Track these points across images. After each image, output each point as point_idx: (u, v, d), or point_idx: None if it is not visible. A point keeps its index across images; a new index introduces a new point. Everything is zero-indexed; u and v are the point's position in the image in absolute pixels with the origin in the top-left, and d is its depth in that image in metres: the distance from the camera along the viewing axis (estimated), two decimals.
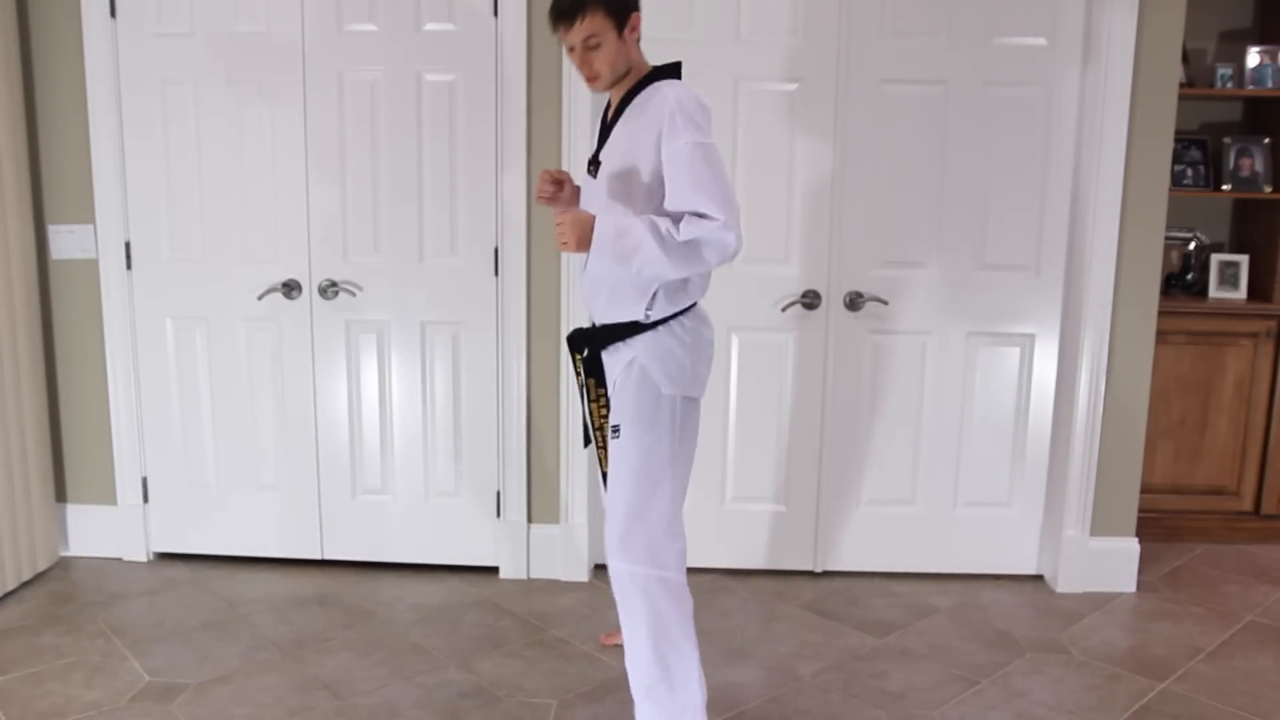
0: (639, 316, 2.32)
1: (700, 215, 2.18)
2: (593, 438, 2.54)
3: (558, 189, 2.54)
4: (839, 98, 3.24)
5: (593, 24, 2.23)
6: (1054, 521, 3.43)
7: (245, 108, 3.32)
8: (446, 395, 3.43)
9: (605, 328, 2.38)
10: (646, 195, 2.29)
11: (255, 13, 3.27)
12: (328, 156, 3.32)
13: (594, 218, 2.22)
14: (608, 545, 2.36)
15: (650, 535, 2.32)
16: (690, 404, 2.38)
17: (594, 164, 2.42)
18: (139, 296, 3.47)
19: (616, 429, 2.35)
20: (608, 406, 2.43)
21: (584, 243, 2.21)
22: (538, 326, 3.34)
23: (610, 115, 2.41)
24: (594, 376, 2.43)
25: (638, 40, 2.35)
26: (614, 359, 2.38)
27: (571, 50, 2.29)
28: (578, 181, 2.61)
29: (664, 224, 2.20)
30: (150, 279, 3.46)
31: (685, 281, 2.33)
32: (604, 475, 2.50)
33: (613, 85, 2.35)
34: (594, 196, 2.39)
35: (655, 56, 2.42)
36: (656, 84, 2.31)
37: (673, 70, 2.38)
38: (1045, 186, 3.30)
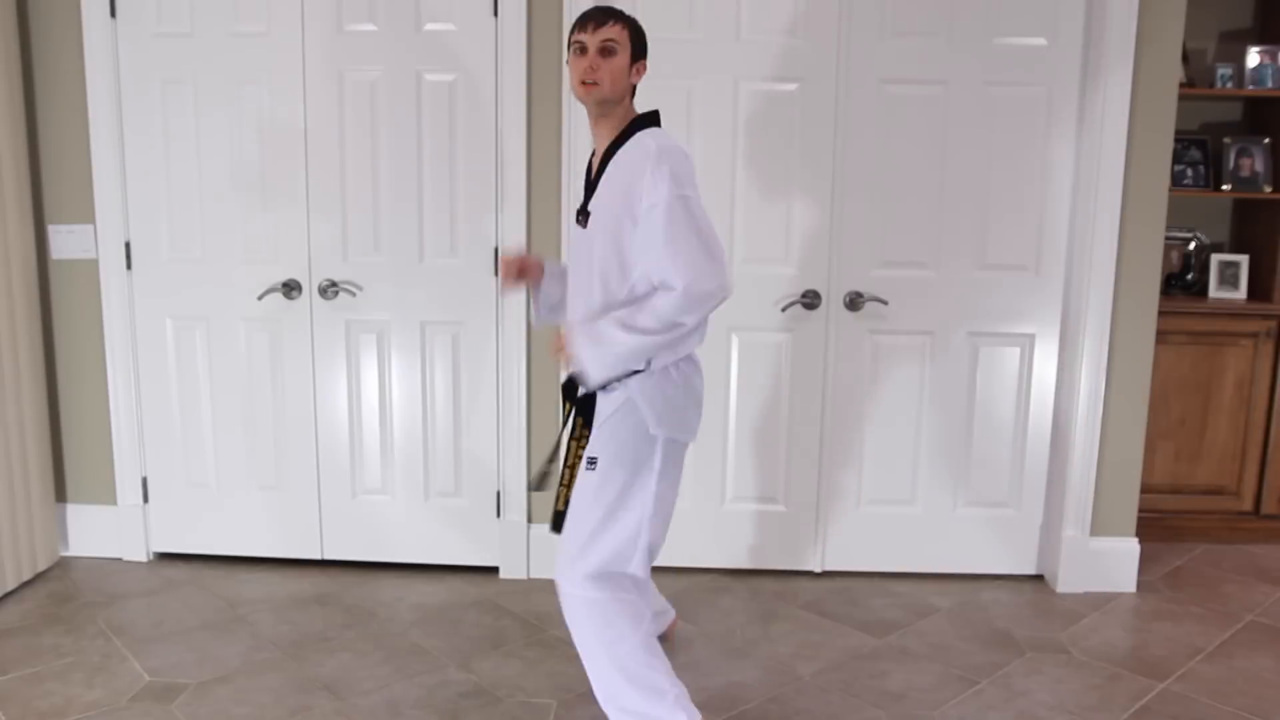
0: (639, 367, 2.31)
1: (668, 287, 2.20)
2: (556, 477, 2.49)
3: (520, 277, 2.55)
4: (839, 98, 3.24)
5: (618, 33, 2.30)
6: (1054, 521, 3.43)
7: (245, 108, 3.32)
8: (446, 395, 3.43)
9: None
10: (635, 248, 2.30)
11: (255, 13, 3.27)
12: (328, 157, 3.32)
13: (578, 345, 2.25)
14: (559, 569, 2.39)
15: (605, 563, 2.35)
16: (676, 447, 2.39)
17: (583, 214, 2.41)
18: (139, 296, 3.47)
19: (593, 461, 2.36)
20: (586, 443, 2.42)
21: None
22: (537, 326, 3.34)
23: (596, 165, 2.41)
24: (583, 415, 2.41)
25: (635, 87, 2.38)
26: (607, 398, 2.37)
27: (582, 54, 2.30)
28: (565, 232, 2.57)
29: (640, 320, 2.21)
30: (150, 279, 3.46)
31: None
32: (557, 515, 2.48)
33: (602, 107, 2.34)
34: (585, 248, 2.39)
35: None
36: (639, 135, 2.32)
37: (653, 119, 2.39)
38: (1045, 186, 3.30)
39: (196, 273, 3.44)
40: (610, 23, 2.30)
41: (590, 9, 2.34)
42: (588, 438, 2.42)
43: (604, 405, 2.38)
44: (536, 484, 2.52)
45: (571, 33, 2.34)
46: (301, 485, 3.52)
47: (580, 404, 2.41)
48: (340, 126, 3.31)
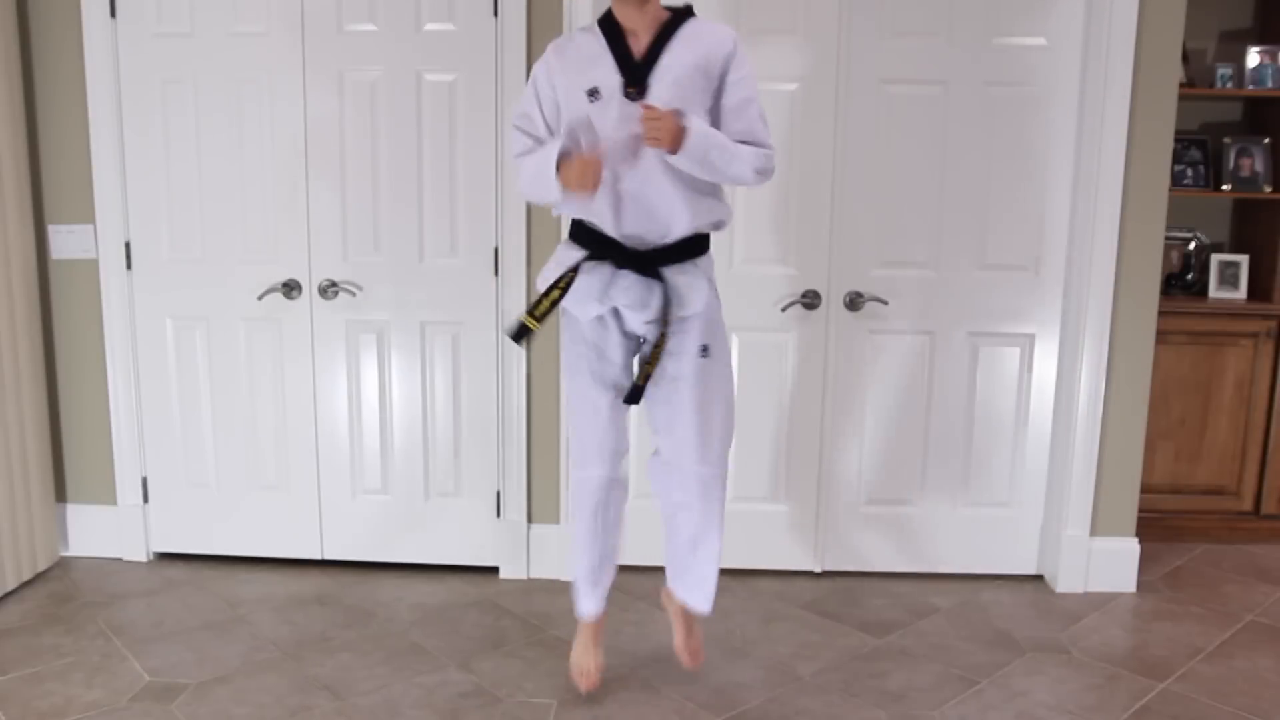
0: (723, 215, 2.49)
1: (759, 143, 2.43)
2: (644, 370, 2.47)
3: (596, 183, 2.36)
4: (839, 98, 3.24)
5: None
6: (1054, 521, 3.43)
7: (245, 108, 3.32)
8: (446, 395, 3.44)
9: (687, 241, 2.45)
10: (704, 118, 2.40)
11: (255, 13, 3.27)
12: (328, 156, 3.32)
13: (684, 119, 2.31)
14: (696, 456, 2.51)
15: (729, 441, 2.61)
16: None
17: (632, 90, 2.37)
18: (139, 296, 3.47)
19: (706, 349, 2.48)
20: (666, 332, 2.44)
21: (676, 142, 2.29)
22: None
23: (645, 45, 2.40)
24: (666, 300, 2.42)
25: None
26: (691, 281, 2.45)
27: None
28: (591, 107, 2.43)
29: (741, 147, 2.40)
30: (150, 279, 3.46)
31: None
32: (636, 390, 2.47)
33: (646, 5, 2.40)
34: (626, 119, 2.36)
35: None
36: (700, 20, 2.47)
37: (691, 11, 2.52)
38: (1045, 186, 3.30)
39: (196, 273, 3.44)
40: None
41: None
42: (667, 326, 2.44)
43: (690, 285, 2.44)
44: (514, 334, 2.44)
45: None
46: (301, 485, 3.52)
47: (662, 286, 2.42)
48: (340, 126, 3.31)
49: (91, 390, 3.53)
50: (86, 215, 3.42)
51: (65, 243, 3.45)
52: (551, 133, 2.47)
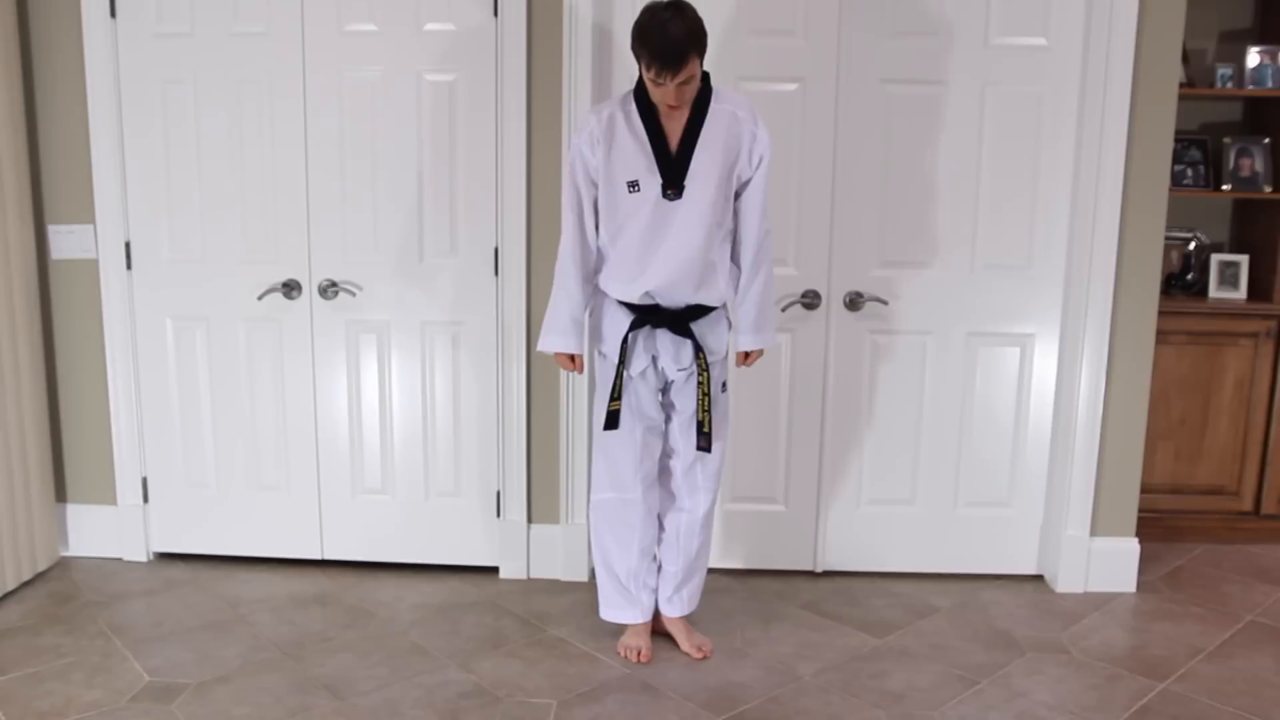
0: (729, 296, 2.80)
1: (761, 222, 2.76)
2: (699, 402, 2.78)
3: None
4: (839, 98, 3.24)
5: (692, 66, 2.51)
6: (1054, 521, 3.43)
7: (245, 108, 3.32)
8: (446, 395, 3.44)
9: (703, 305, 2.76)
10: (730, 198, 2.71)
11: (255, 13, 3.27)
12: (328, 157, 3.32)
13: (764, 337, 2.83)
14: (711, 480, 2.90)
15: (723, 464, 2.96)
16: None
17: (674, 188, 2.62)
18: (139, 296, 3.47)
19: (724, 385, 2.88)
20: (707, 370, 2.76)
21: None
22: (538, 327, 3.34)
23: (677, 140, 2.63)
24: (698, 348, 2.75)
25: None
26: (717, 328, 2.80)
27: (660, 85, 2.53)
28: (630, 196, 2.68)
29: (769, 267, 2.81)
30: (150, 279, 3.46)
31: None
32: (706, 436, 2.78)
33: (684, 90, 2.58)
34: (686, 214, 2.63)
35: None
36: (720, 100, 2.65)
37: (707, 77, 2.70)
38: (1045, 186, 3.30)
39: (196, 273, 3.44)
40: (684, 65, 2.48)
41: (662, 55, 2.46)
42: (706, 365, 2.76)
43: (718, 332, 2.81)
44: (609, 423, 2.82)
45: (647, 68, 2.51)
46: (301, 485, 3.52)
47: (685, 332, 2.75)
48: (340, 126, 3.31)
49: (91, 390, 3.53)
50: (86, 215, 3.42)
51: (65, 243, 3.45)
52: (596, 188, 2.73)
